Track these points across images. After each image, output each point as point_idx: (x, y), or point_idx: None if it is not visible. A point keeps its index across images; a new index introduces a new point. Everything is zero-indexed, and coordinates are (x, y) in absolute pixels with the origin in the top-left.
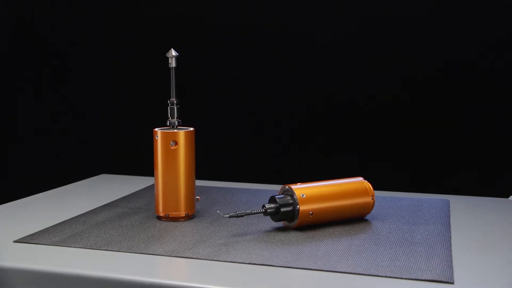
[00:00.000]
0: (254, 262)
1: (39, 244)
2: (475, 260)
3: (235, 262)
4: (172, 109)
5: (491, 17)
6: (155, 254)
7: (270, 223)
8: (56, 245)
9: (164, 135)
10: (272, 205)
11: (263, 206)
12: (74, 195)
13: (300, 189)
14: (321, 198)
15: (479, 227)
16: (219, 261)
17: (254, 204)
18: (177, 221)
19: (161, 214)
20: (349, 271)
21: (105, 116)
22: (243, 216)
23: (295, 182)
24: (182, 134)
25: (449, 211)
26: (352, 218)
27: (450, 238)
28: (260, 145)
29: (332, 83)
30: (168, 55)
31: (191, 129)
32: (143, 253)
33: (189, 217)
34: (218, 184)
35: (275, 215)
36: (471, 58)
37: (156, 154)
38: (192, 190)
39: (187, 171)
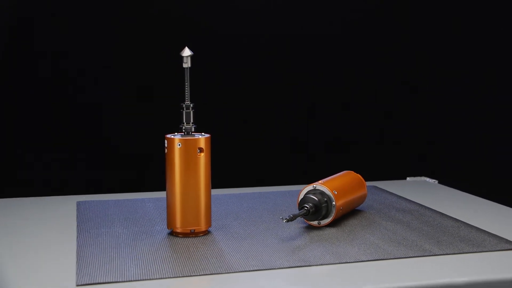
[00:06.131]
0: (363, 259)
1: (116, 282)
2: (496, 223)
3: (345, 263)
4: (187, 114)
5: None
6: (261, 270)
7: (291, 224)
8: (138, 280)
9: (187, 142)
10: (311, 205)
11: (304, 207)
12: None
13: (327, 184)
14: (345, 192)
15: (442, 202)
16: (327, 264)
17: (263, 209)
18: (197, 236)
19: (179, 230)
20: (442, 253)
21: None
22: (295, 218)
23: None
24: (204, 141)
25: (393, 193)
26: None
27: (444, 213)
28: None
29: None
30: (183, 54)
31: (207, 135)
32: (253, 270)
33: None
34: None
35: (314, 214)
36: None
37: (172, 164)
38: (210, 202)
39: (207, 181)
